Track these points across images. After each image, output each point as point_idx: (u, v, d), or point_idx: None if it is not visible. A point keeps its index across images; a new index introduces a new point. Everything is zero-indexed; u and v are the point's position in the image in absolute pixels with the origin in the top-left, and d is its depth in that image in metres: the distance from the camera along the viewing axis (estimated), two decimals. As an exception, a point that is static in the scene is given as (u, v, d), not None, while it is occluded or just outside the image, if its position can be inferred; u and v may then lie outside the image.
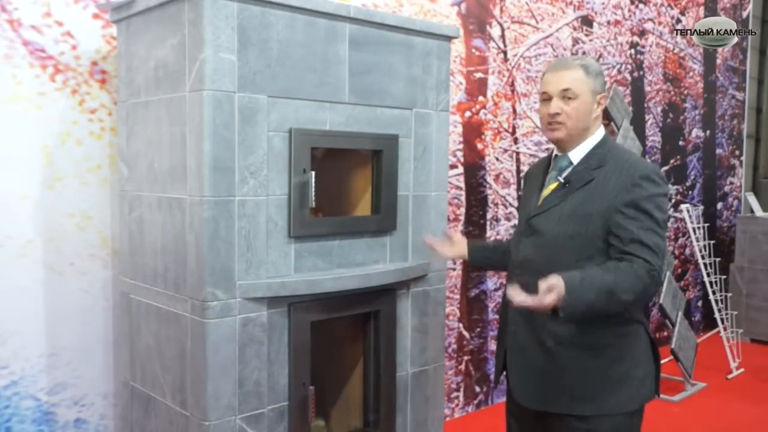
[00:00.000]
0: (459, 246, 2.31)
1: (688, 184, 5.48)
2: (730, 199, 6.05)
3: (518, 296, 1.72)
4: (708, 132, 5.65)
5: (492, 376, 3.84)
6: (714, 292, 4.72)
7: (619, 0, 4.60)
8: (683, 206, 4.69)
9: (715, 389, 4.31)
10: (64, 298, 2.49)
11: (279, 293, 2.15)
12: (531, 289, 1.87)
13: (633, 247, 1.79)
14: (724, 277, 4.88)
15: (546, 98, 1.93)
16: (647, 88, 4.97)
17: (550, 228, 1.90)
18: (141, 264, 2.33)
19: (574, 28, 4.26)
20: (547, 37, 4.07)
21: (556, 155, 2.00)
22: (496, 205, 3.84)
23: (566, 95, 1.89)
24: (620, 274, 1.76)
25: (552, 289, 1.69)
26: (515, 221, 3.79)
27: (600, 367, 1.87)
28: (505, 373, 2.09)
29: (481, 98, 3.73)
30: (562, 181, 1.93)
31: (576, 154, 1.95)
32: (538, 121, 4.02)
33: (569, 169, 1.94)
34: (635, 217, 1.81)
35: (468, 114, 3.68)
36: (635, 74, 4.84)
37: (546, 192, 1.97)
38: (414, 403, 2.60)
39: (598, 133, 1.97)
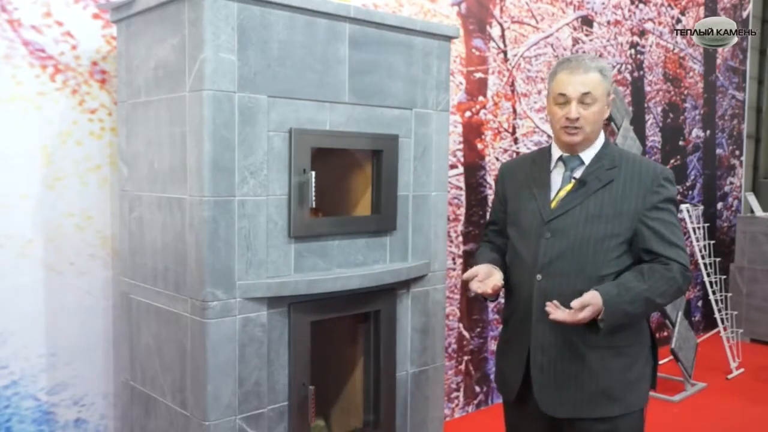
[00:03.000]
0: (495, 274, 1.99)
1: (688, 184, 5.48)
2: (730, 199, 6.05)
3: (555, 313, 1.77)
4: (708, 132, 5.65)
5: (492, 376, 3.84)
6: (714, 292, 4.72)
7: (619, 0, 4.60)
8: (683, 206, 4.69)
9: (715, 389, 4.31)
10: (64, 298, 2.49)
11: (279, 293, 2.15)
12: (560, 292, 1.87)
13: (667, 249, 1.85)
14: (724, 277, 4.88)
15: (563, 101, 1.89)
16: (647, 88, 4.97)
17: (576, 229, 1.89)
18: (141, 264, 2.33)
19: (574, 28, 4.26)
20: (547, 37, 4.07)
21: (561, 155, 1.98)
22: (496, 205, 3.84)
23: (585, 100, 1.88)
24: (654, 279, 1.82)
25: (586, 305, 1.75)
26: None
27: (623, 367, 1.89)
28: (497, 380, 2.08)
29: (481, 98, 3.73)
30: (577, 181, 1.92)
31: (586, 155, 1.95)
32: (538, 121, 4.02)
33: (581, 169, 1.94)
34: (663, 218, 1.88)
35: (468, 114, 3.68)
36: (635, 74, 4.84)
37: (561, 193, 1.94)
38: (414, 403, 2.60)
39: (602, 134, 1.98)
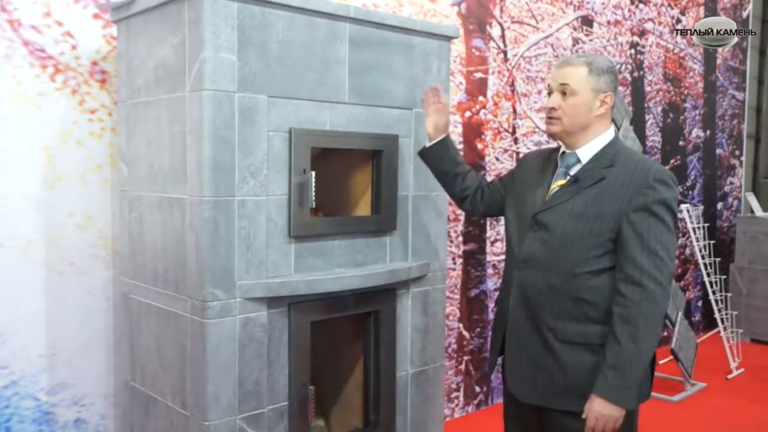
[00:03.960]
0: (441, 124, 2.24)
1: (688, 184, 5.48)
2: (730, 199, 6.05)
3: None
4: (708, 132, 5.65)
5: (492, 376, 3.84)
6: (714, 292, 4.72)
7: (619, 0, 4.60)
8: (683, 206, 4.69)
9: (715, 389, 4.31)
10: (65, 298, 2.49)
11: (279, 293, 2.15)
12: (535, 285, 1.90)
13: (642, 256, 1.79)
14: (724, 277, 4.88)
15: (548, 92, 1.95)
16: (647, 88, 4.97)
17: (559, 225, 1.89)
18: (141, 264, 2.33)
19: (574, 28, 4.26)
20: (547, 37, 4.07)
21: (563, 152, 1.99)
22: (496, 205, 3.84)
23: (564, 90, 1.90)
24: (625, 336, 1.78)
25: (589, 412, 1.81)
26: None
27: (595, 365, 1.85)
28: (500, 372, 2.09)
29: (481, 98, 3.73)
30: (571, 177, 1.92)
31: (584, 152, 1.93)
32: (538, 121, 4.02)
33: (577, 167, 1.93)
34: (646, 221, 1.81)
35: (468, 114, 3.68)
36: (635, 74, 4.84)
37: (553, 188, 1.95)
38: (414, 403, 2.60)
39: (608, 133, 1.95)
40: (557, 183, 1.95)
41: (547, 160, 2.06)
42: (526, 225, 1.97)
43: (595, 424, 1.80)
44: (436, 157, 2.26)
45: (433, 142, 2.25)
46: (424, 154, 2.29)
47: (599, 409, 1.79)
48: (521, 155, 3.93)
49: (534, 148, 4.01)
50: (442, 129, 2.25)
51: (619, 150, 1.93)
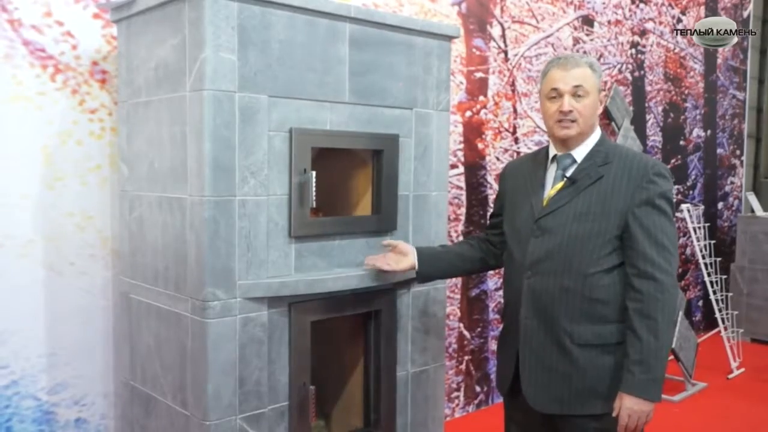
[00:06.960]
0: (408, 257, 2.23)
1: (688, 183, 5.47)
2: (731, 199, 6.05)
3: None
4: (709, 132, 5.65)
5: (492, 376, 3.84)
6: (714, 292, 4.72)
7: (619, 0, 4.60)
8: (684, 206, 4.69)
9: (716, 389, 4.31)
10: (64, 297, 2.49)
11: (279, 293, 2.15)
12: (547, 289, 1.89)
13: (652, 250, 1.82)
14: (724, 276, 4.88)
15: (555, 95, 1.92)
16: (648, 88, 4.97)
17: (564, 227, 1.89)
18: (141, 264, 2.33)
19: (575, 28, 4.25)
20: (548, 36, 4.07)
21: (555, 154, 1.99)
22: (496, 204, 3.84)
23: (578, 92, 1.89)
24: (645, 331, 1.80)
25: (623, 416, 1.82)
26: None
27: (611, 365, 1.88)
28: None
29: (481, 98, 3.73)
30: (568, 179, 1.92)
31: (579, 152, 1.95)
32: (538, 120, 4.02)
33: (573, 167, 1.94)
34: (650, 215, 1.84)
35: (468, 114, 3.68)
36: (636, 74, 4.83)
37: (552, 192, 1.95)
38: (414, 403, 2.60)
39: (598, 131, 1.98)
40: (555, 187, 1.95)
41: (533, 165, 2.06)
42: (527, 232, 1.96)
43: (628, 421, 1.81)
44: (434, 272, 2.26)
45: (417, 268, 2.22)
46: (422, 279, 2.31)
47: (630, 405, 1.80)
48: (521, 155, 3.93)
49: (534, 148, 4.01)
50: (407, 251, 2.24)
51: (609, 146, 1.96)
